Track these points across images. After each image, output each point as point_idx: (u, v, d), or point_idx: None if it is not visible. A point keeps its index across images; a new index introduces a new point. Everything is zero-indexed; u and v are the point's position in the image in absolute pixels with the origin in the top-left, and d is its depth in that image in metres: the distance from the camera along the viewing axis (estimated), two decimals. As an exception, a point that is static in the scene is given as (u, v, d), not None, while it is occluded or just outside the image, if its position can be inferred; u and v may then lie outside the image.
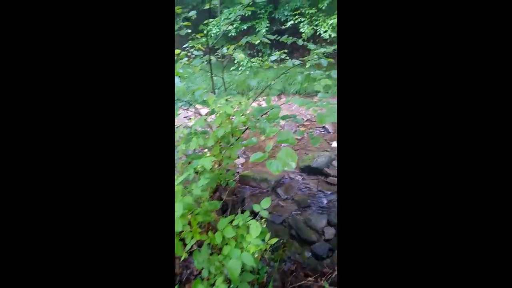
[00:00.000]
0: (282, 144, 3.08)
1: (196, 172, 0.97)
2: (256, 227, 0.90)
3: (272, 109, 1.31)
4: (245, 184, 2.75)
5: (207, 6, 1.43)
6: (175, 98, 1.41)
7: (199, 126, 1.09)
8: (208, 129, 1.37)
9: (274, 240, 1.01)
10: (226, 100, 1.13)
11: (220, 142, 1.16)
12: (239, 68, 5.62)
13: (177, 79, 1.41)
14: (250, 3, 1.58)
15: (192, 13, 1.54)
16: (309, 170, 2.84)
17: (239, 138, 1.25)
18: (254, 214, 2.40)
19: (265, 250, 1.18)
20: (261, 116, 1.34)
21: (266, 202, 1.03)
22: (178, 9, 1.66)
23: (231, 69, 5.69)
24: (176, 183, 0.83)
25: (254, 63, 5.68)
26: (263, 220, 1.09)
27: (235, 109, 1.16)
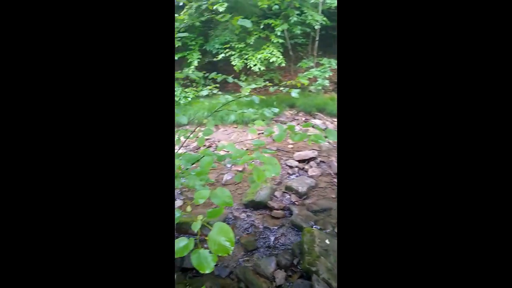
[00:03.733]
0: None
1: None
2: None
3: (203, 156, 1.13)
4: (184, 233, 2.39)
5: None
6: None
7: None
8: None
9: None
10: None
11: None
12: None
13: None
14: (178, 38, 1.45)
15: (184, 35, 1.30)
16: (253, 205, 2.69)
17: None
18: (194, 271, 2.00)
19: None
20: (192, 165, 1.14)
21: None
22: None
23: (163, 100, 5.33)
24: None
25: (188, 94, 5.47)
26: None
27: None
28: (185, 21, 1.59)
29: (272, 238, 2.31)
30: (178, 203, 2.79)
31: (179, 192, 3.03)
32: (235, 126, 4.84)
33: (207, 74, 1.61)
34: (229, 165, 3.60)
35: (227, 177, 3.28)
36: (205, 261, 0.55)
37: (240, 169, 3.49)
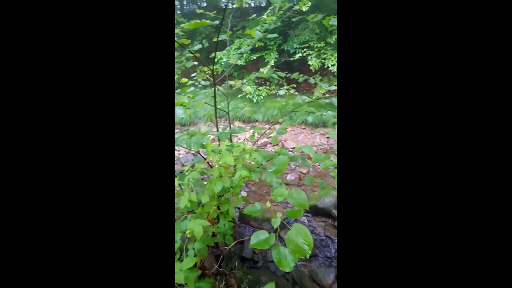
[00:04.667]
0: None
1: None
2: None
3: (279, 155, 1.15)
4: (245, 223, 2.52)
5: (216, 39, 1.35)
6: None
7: (193, 177, 0.93)
8: (204, 179, 1.20)
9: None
10: (228, 145, 0.99)
11: (220, 197, 0.99)
12: (246, 96, 5.62)
13: (180, 110, 1.29)
14: (261, 38, 1.52)
15: (198, 47, 1.46)
16: (315, 211, 2.60)
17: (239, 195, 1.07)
18: (252, 262, 2.09)
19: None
20: (267, 162, 1.18)
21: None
22: (186, 41, 1.61)
23: (239, 96, 5.69)
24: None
25: (261, 92, 5.68)
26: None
27: (236, 155, 1.00)
28: (274, 22, 1.64)
29: (333, 250, 2.18)
30: (243, 193, 2.96)
31: (244, 184, 3.19)
32: (303, 127, 4.76)
33: (289, 74, 1.63)
34: (293, 166, 3.57)
35: (290, 177, 3.27)
36: (285, 259, 0.56)
37: (304, 171, 3.42)
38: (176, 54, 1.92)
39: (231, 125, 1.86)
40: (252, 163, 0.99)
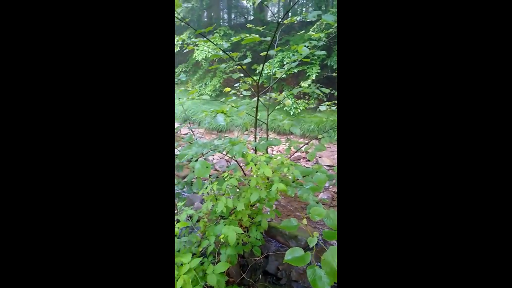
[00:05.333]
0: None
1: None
2: None
3: (317, 172, 1.13)
4: (271, 237, 2.48)
5: (265, 54, 1.41)
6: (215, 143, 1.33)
7: (231, 184, 0.96)
8: (239, 188, 1.23)
9: None
10: (267, 157, 1.00)
11: (252, 206, 1.01)
12: (283, 108, 5.65)
13: (221, 117, 1.36)
14: (308, 54, 1.54)
15: (247, 61, 1.54)
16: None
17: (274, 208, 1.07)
18: (275, 278, 2.03)
19: None
20: (303, 177, 1.16)
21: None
22: (234, 54, 1.70)
23: (276, 107, 5.75)
24: (190, 260, 0.69)
25: (299, 105, 5.66)
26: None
27: (274, 167, 1.01)
28: (321, 39, 1.65)
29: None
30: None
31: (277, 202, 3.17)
32: (341, 145, 4.58)
33: (333, 91, 1.61)
34: (326, 184, 3.45)
35: (323, 195, 3.16)
36: (320, 281, 0.54)
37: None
38: (222, 65, 2.04)
39: (267, 136, 1.89)
40: (289, 177, 0.99)
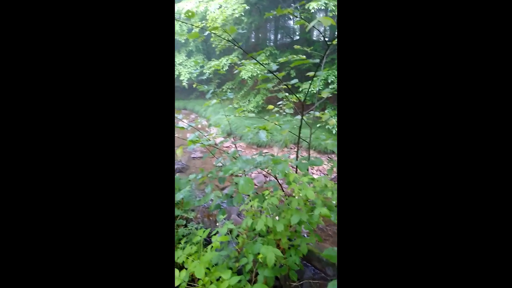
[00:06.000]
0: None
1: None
2: None
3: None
4: (307, 261, 2.36)
5: (313, 75, 1.43)
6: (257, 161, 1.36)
7: (272, 203, 0.96)
8: (279, 207, 1.22)
9: None
10: (309, 178, 0.98)
11: (290, 227, 0.99)
12: (325, 127, 5.50)
13: (263, 134, 1.39)
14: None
15: (293, 82, 1.57)
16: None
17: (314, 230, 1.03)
18: None
19: None
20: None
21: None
22: (281, 74, 1.76)
23: (317, 125, 5.64)
24: (230, 277, 0.69)
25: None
26: None
27: (317, 190, 0.98)
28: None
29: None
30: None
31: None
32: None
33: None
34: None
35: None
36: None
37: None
38: (269, 85, 2.12)
39: (305, 155, 1.86)
40: (334, 202, 0.95)
